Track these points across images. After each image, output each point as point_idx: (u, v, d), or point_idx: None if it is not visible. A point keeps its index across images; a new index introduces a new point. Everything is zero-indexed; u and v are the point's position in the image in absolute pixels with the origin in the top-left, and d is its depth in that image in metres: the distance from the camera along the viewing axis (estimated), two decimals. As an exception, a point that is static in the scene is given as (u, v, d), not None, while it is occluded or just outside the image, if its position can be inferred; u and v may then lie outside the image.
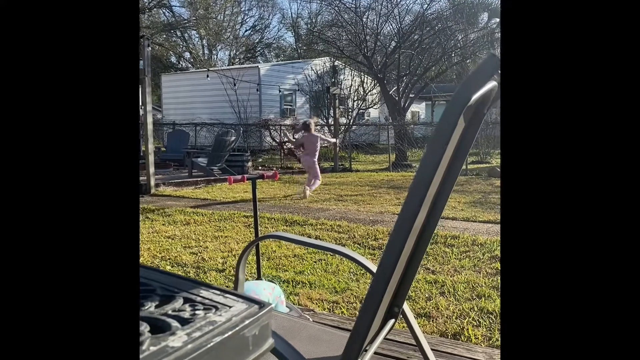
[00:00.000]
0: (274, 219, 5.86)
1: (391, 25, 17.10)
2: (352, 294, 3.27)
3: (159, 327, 0.50)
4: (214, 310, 0.55)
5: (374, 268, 1.45)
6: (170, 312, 0.54)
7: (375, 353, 2.20)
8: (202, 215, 6.17)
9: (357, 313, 1.10)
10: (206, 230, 5.34)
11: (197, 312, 0.54)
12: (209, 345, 0.47)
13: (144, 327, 0.50)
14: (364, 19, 16.63)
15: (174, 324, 0.51)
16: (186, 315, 0.53)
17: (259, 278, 3.16)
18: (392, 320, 1.49)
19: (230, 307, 0.56)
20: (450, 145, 1.25)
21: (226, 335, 0.49)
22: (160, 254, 4.42)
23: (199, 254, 4.37)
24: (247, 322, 0.52)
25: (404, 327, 2.47)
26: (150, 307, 0.55)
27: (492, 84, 1.08)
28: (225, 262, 4.09)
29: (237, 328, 0.51)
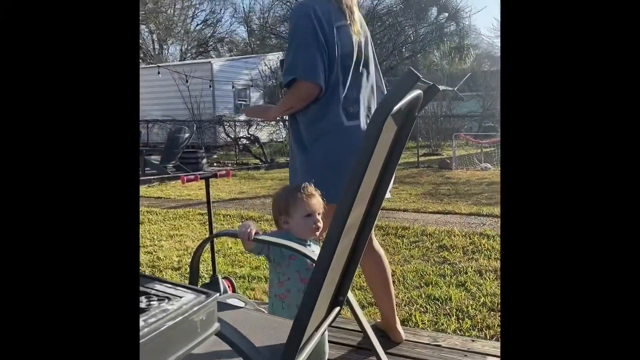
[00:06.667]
0: (230, 216, 5.90)
1: (343, 20, 17.24)
2: (306, 287, 3.38)
3: (119, 316, 0.60)
4: (166, 300, 0.64)
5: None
6: (128, 303, 0.64)
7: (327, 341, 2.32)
8: (156, 214, 6.15)
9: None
10: (161, 229, 5.35)
11: (152, 302, 0.63)
12: (161, 329, 0.57)
13: (106, 317, 0.59)
14: (316, 14, 16.69)
15: (132, 313, 0.60)
16: (142, 305, 0.62)
17: (214, 274, 3.23)
18: (337, 308, 1.61)
19: (180, 297, 0.65)
20: (383, 147, 1.37)
21: (176, 320, 0.59)
22: (114, 254, 4.40)
23: (153, 253, 4.39)
24: (195, 308, 0.62)
25: (354, 315, 2.60)
26: (110, 301, 0.64)
27: (417, 92, 1.21)
28: (181, 261, 4.13)
29: (186, 314, 0.61)
